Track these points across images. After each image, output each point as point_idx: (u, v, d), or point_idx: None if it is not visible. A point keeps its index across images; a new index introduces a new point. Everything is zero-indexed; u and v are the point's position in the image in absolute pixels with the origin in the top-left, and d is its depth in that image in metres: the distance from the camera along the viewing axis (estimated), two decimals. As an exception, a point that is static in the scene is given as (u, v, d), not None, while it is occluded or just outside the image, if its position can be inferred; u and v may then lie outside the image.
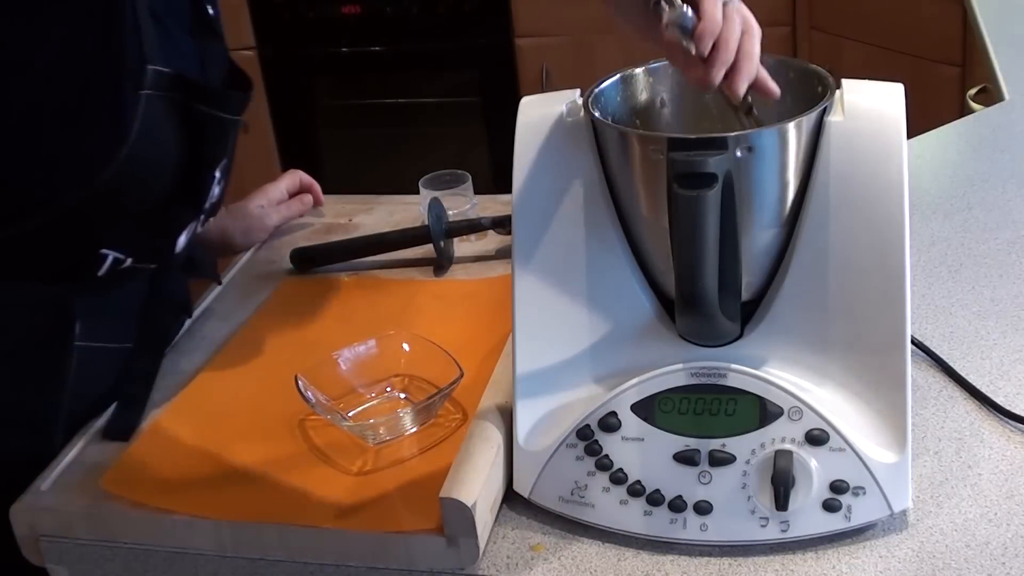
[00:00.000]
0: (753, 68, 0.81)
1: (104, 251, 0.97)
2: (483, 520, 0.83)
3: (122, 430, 0.99)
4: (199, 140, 0.96)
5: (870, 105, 0.84)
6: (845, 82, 0.86)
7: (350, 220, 1.39)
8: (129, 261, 0.99)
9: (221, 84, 1.04)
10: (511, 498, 0.89)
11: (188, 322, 1.17)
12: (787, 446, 0.82)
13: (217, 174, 1.03)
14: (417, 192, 1.35)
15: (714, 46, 0.79)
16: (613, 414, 0.85)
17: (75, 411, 1.01)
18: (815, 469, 0.81)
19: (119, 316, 1.06)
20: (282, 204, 1.37)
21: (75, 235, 0.94)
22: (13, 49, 0.86)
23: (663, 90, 0.93)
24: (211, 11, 1.04)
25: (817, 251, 0.85)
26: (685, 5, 0.80)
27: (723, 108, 0.92)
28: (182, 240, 1.04)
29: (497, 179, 1.63)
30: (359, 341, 1.03)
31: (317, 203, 1.40)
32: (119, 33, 0.88)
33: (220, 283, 1.22)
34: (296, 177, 1.40)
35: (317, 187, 1.41)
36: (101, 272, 0.98)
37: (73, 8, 0.87)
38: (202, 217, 1.06)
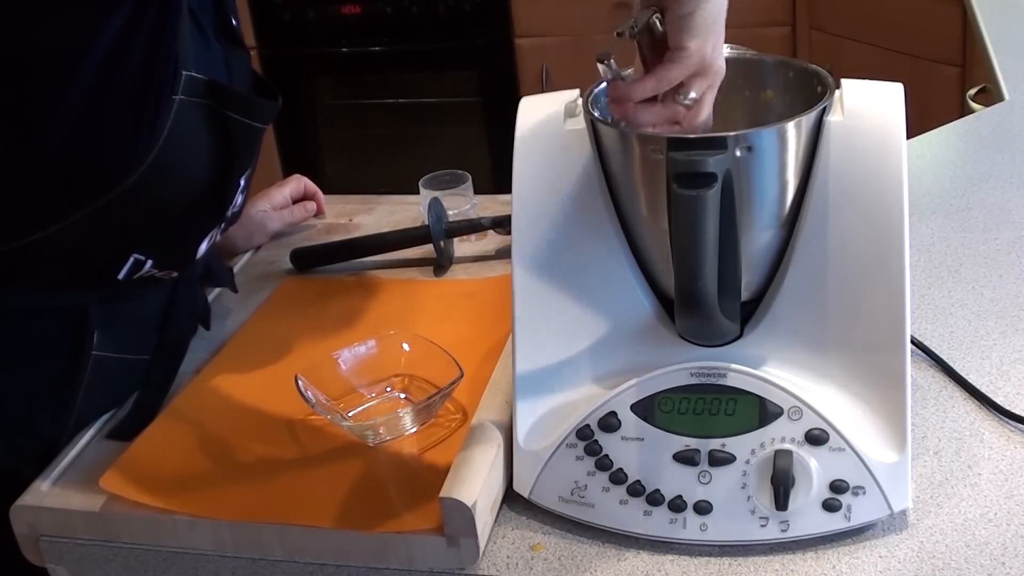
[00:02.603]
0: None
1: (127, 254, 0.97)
2: (483, 520, 0.83)
3: (128, 432, 1.00)
4: (228, 147, 0.96)
5: (870, 105, 0.84)
6: (845, 82, 0.86)
7: (350, 220, 1.39)
8: (149, 264, 0.99)
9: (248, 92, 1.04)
10: (511, 498, 0.89)
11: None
12: (787, 446, 0.82)
13: (242, 182, 1.03)
14: (417, 192, 1.35)
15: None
16: (613, 414, 0.85)
17: (85, 417, 1.01)
18: (815, 469, 0.81)
19: (137, 328, 1.06)
20: (284, 209, 1.37)
21: (101, 237, 0.94)
22: (70, 39, 0.85)
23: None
24: (234, 21, 1.04)
25: (817, 251, 0.85)
26: None
27: (724, 109, 0.93)
28: (203, 248, 1.04)
29: (497, 179, 1.62)
30: (359, 341, 1.03)
31: (319, 211, 1.40)
32: (169, 33, 0.88)
33: (236, 291, 1.22)
34: (300, 183, 1.40)
35: (320, 195, 1.41)
36: (121, 275, 0.98)
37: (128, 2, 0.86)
38: (222, 225, 1.06)
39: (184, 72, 0.90)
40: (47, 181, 0.90)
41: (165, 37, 0.88)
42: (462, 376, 0.97)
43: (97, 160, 0.89)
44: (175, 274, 1.06)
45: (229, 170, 0.98)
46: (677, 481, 0.83)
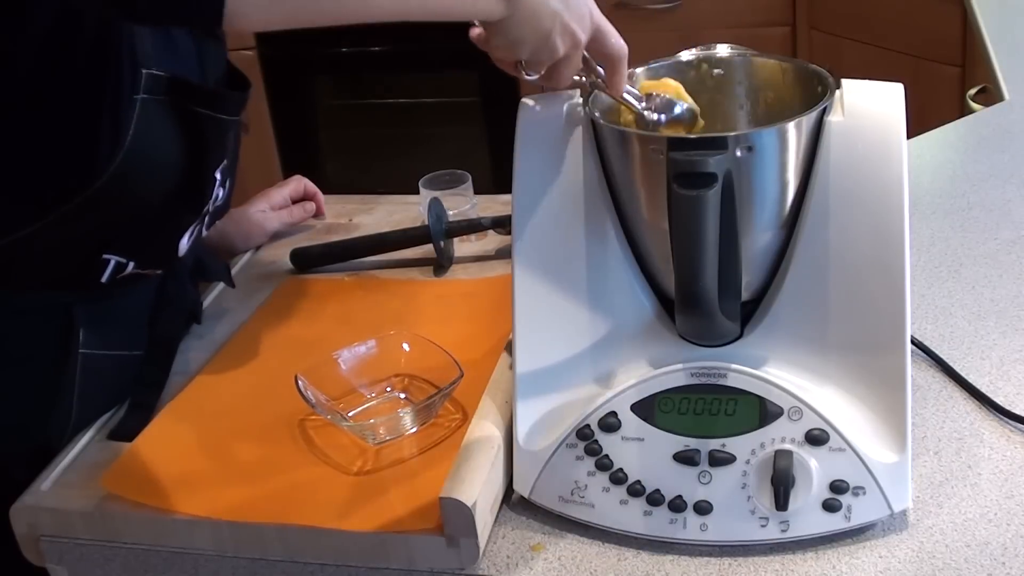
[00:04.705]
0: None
1: (106, 256, 0.97)
2: (483, 520, 0.83)
3: (127, 432, 0.99)
4: (198, 142, 0.96)
5: (870, 105, 0.84)
6: (845, 82, 0.86)
7: (350, 220, 1.39)
8: (131, 266, 0.99)
9: (220, 85, 1.04)
10: (511, 498, 0.89)
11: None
12: (787, 446, 0.82)
13: (218, 176, 1.03)
14: (417, 192, 1.35)
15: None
16: (613, 414, 0.85)
17: (82, 416, 1.01)
18: (815, 469, 0.81)
19: (126, 324, 1.06)
20: (283, 210, 1.37)
21: (76, 239, 0.94)
22: None
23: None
24: None
25: (817, 251, 0.85)
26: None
27: (724, 109, 0.93)
28: (184, 244, 1.04)
29: (497, 179, 1.62)
30: (359, 341, 1.03)
31: (318, 212, 1.40)
32: (116, 34, 0.88)
33: (233, 286, 1.22)
34: (300, 184, 1.40)
35: (320, 197, 1.41)
36: (104, 278, 0.98)
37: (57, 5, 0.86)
38: (206, 220, 1.06)
39: (144, 71, 0.89)
40: (13, 186, 0.90)
41: (113, 39, 0.87)
42: (462, 376, 0.97)
43: (62, 164, 0.89)
44: (159, 272, 1.06)
45: (201, 164, 0.98)
46: (677, 481, 0.83)
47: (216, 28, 0.73)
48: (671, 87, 0.90)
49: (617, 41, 0.86)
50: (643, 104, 0.89)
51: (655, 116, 0.88)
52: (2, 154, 0.88)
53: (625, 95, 0.88)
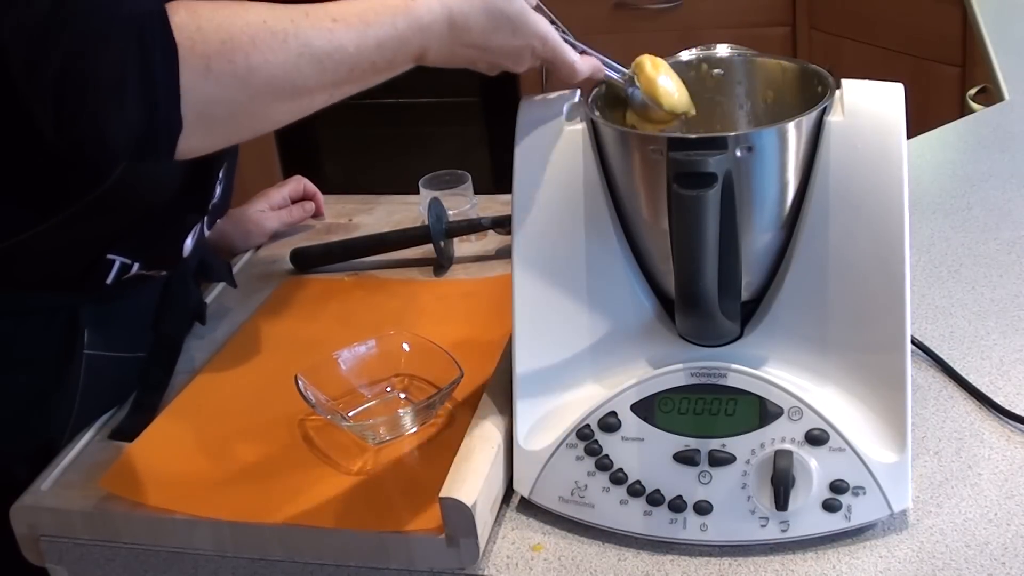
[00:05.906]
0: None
1: (111, 256, 0.97)
2: (483, 520, 0.83)
3: (128, 432, 0.99)
4: None
5: (870, 105, 0.84)
6: (845, 82, 0.86)
7: (350, 220, 1.39)
8: (136, 267, 0.99)
9: None
10: (511, 498, 0.89)
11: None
12: (787, 446, 0.82)
13: (220, 174, 1.03)
14: (417, 192, 1.35)
15: None
16: (613, 414, 0.85)
17: (83, 416, 1.01)
18: (815, 469, 0.81)
19: (130, 325, 1.06)
20: (283, 210, 1.37)
21: (81, 240, 0.94)
22: None
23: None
24: None
25: (817, 251, 0.85)
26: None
27: (724, 109, 0.93)
28: (188, 243, 1.04)
29: (497, 179, 1.62)
30: (359, 341, 1.03)
31: (318, 212, 1.40)
32: None
33: (235, 286, 1.22)
34: (300, 184, 1.40)
35: (320, 197, 1.41)
36: (109, 279, 0.98)
37: None
38: (206, 219, 1.06)
39: None
40: (18, 188, 0.90)
41: None
42: (462, 376, 0.97)
43: (67, 168, 0.89)
44: (164, 273, 1.06)
45: (206, 166, 0.98)
46: (677, 481, 0.83)
47: (168, 161, 0.76)
48: (662, 91, 0.89)
49: (568, 75, 0.87)
50: (624, 79, 0.89)
51: (639, 98, 0.89)
52: (8, 157, 0.88)
53: (607, 72, 0.89)
